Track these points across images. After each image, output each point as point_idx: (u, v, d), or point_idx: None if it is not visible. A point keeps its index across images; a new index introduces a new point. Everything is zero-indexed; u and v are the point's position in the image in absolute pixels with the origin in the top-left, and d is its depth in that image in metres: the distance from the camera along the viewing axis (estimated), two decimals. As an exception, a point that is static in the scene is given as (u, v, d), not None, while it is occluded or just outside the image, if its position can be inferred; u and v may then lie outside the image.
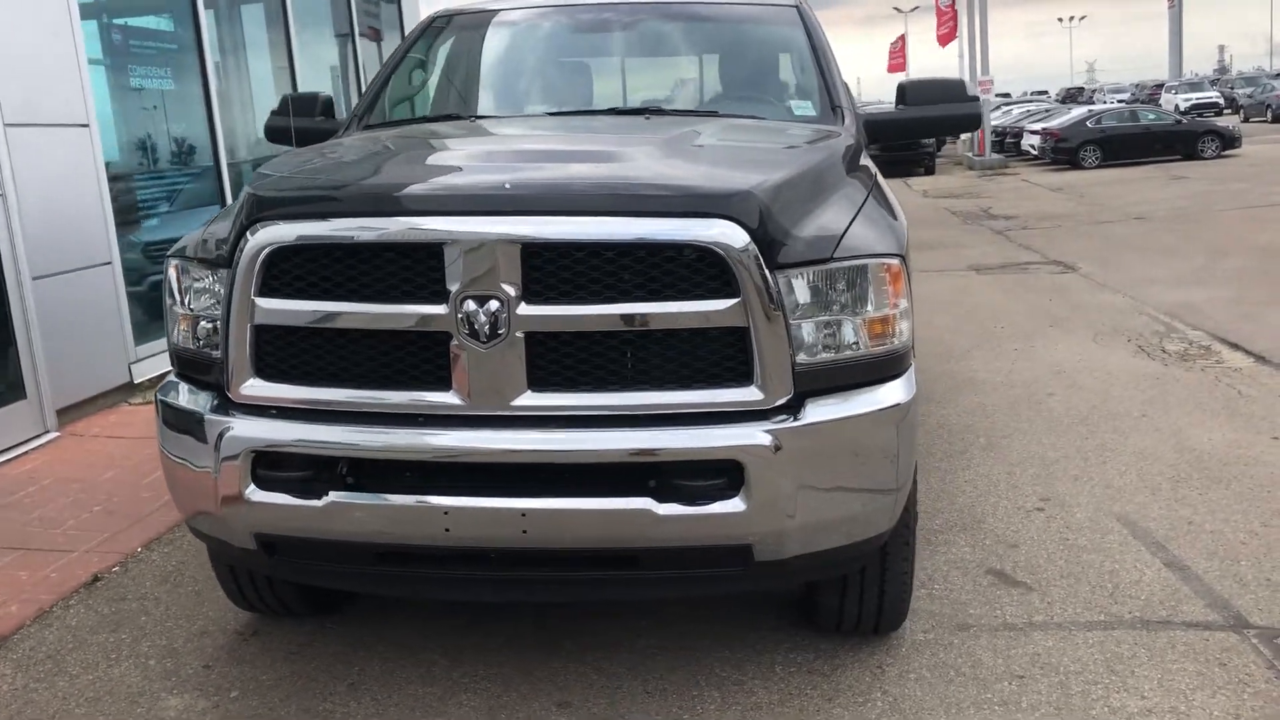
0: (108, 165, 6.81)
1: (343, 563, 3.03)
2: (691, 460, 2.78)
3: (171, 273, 3.22)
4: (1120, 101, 46.95)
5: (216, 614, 3.94)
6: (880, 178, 3.96)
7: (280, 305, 2.89)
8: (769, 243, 2.79)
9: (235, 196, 4.92)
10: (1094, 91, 65.01)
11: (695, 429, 2.79)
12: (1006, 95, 62.63)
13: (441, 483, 2.82)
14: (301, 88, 9.44)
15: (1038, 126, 30.48)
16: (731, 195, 2.81)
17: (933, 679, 3.37)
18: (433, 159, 3.40)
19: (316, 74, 9.75)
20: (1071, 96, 60.67)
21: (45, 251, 6.18)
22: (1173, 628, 3.62)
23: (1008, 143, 32.68)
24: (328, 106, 4.48)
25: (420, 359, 2.85)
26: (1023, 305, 9.73)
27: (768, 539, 2.85)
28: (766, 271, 2.77)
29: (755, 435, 2.78)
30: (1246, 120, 43.46)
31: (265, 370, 2.96)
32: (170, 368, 3.31)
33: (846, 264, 2.91)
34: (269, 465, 2.91)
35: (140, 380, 6.95)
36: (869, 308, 2.96)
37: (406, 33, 7.38)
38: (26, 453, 5.91)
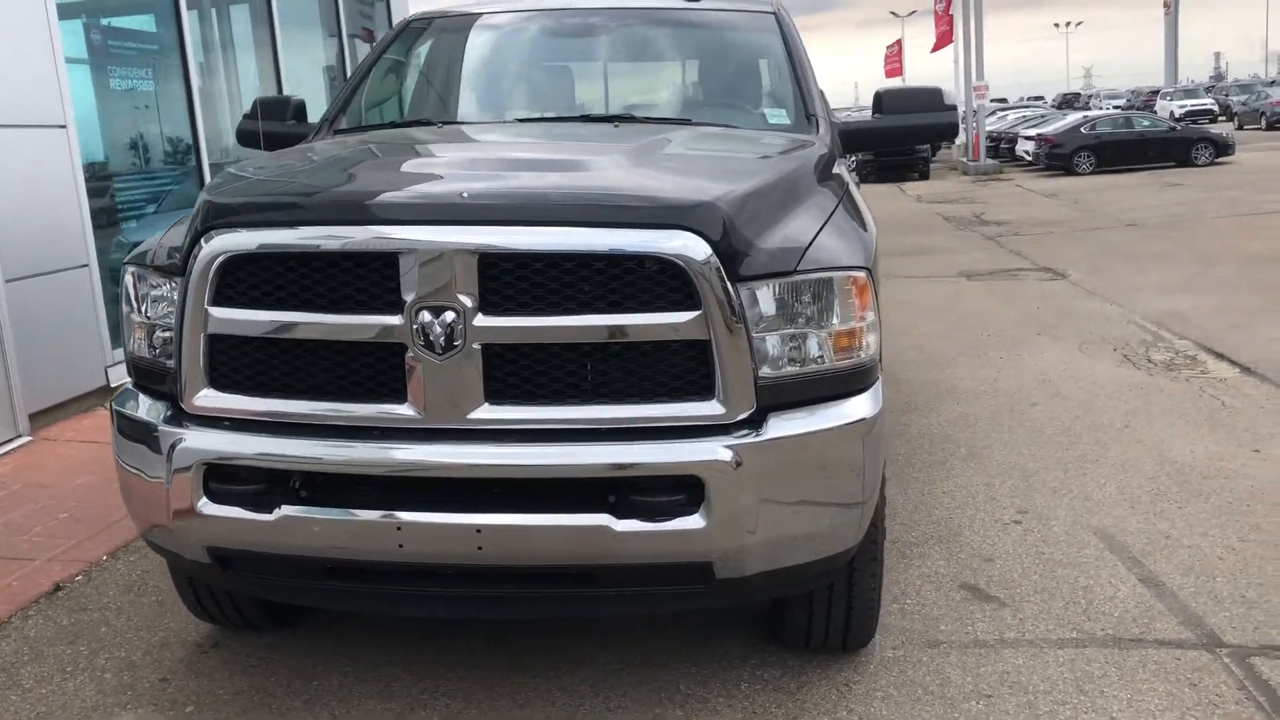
0: (86, 167, 6.76)
1: (296, 577, 2.97)
2: (650, 476, 2.73)
3: (128, 280, 3.17)
4: (1116, 107, 46.99)
5: (178, 625, 3.88)
6: (853, 188, 3.91)
7: (234, 315, 2.84)
8: (732, 254, 2.74)
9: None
10: (1090, 97, 65.02)
11: (655, 444, 2.74)
12: (1003, 101, 62.69)
13: (395, 497, 2.77)
14: (288, 89, 9.38)
15: (1032, 132, 30.48)
16: (693, 206, 2.76)
17: (900, 697, 3.32)
18: (392, 166, 3.35)
19: (304, 75, 9.69)
20: (1068, 102, 60.69)
21: (20, 253, 6.12)
22: (1145, 646, 3.57)
23: (1003, 148, 32.66)
24: (300, 110, 4.42)
25: (375, 371, 2.79)
26: (1012, 312, 9.69)
27: (728, 556, 2.80)
28: (729, 284, 2.72)
29: (716, 450, 2.73)
30: (1240, 127, 43.47)
31: (219, 381, 2.90)
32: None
33: (811, 276, 2.86)
34: (221, 478, 2.86)
35: (116, 384, 6.88)
36: (834, 321, 2.91)
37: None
38: (-2, 457, 5.86)
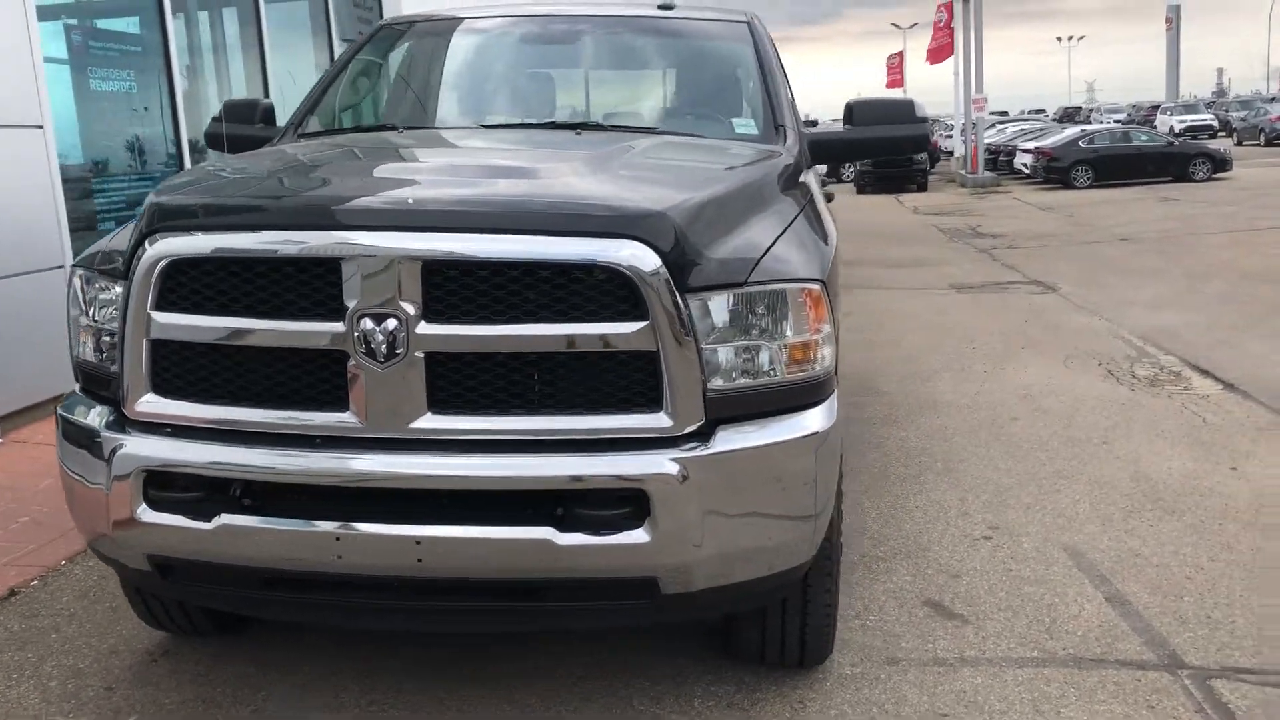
0: (64, 168, 6.72)
1: (236, 587, 2.93)
2: (594, 489, 2.69)
3: (76, 282, 3.13)
4: (1116, 122, 47.00)
5: (130, 632, 3.83)
6: (819, 199, 3.88)
7: (176, 320, 2.80)
8: (681, 265, 2.70)
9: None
10: (1091, 111, 65.03)
11: (599, 456, 2.70)
12: (1004, 113, 62.76)
13: (334, 508, 2.72)
14: (275, 93, 9.34)
15: (1030, 145, 30.48)
16: (643, 215, 2.72)
17: (854, 716, 3.27)
18: (342, 171, 3.31)
19: (292, 79, 9.64)
20: (1069, 116, 60.68)
21: (-6, 253, 6.09)
22: (1106, 666, 3.52)
23: (1001, 161, 32.64)
24: (268, 114, 4.39)
25: (317, 378, 2.75)
26: (999, 326, 9.65)
27: (674, 571, 2.75)
28: (678, 295, 2.68)
29: (661, 464, 2.68)
30: (1240, 143, 43.48)
31: (161, 386, 2.86)
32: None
33: (763, 288, 2.82)
34: (161, 485, 2.81)
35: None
36: (787, 333, 2.87)
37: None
38: (-34, 459, 5.81)
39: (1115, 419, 6.46)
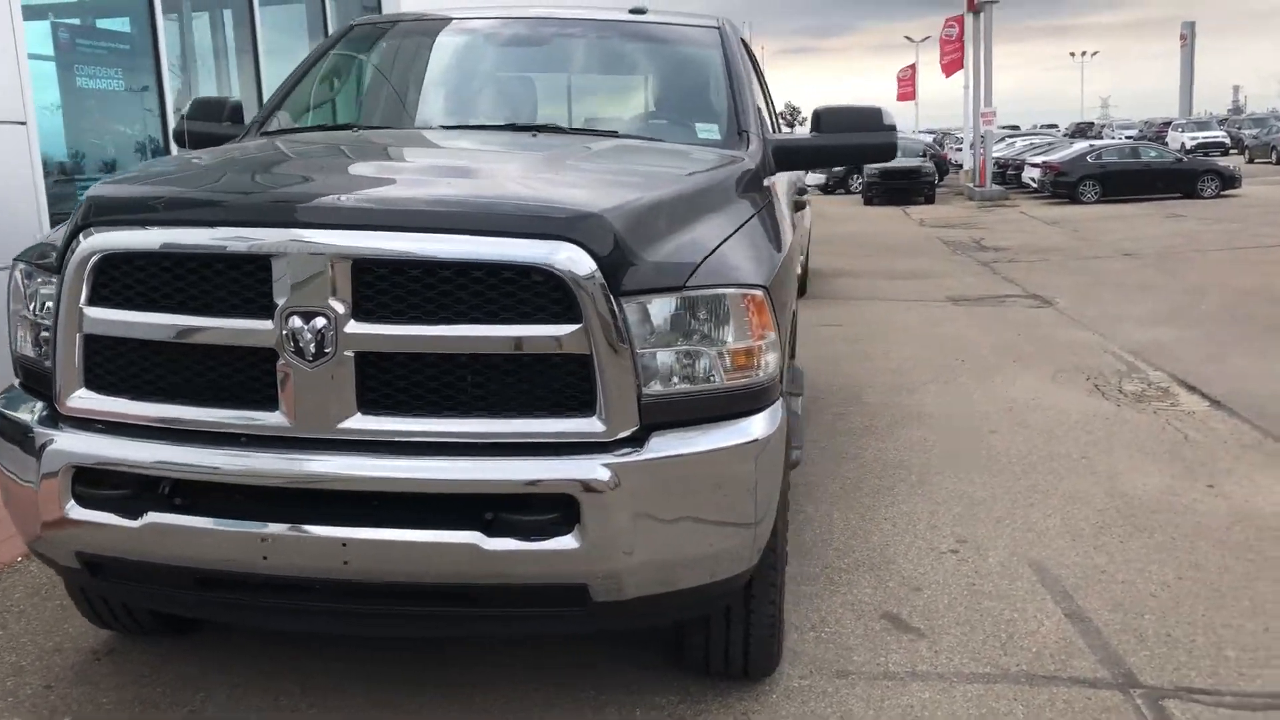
0: (47, 164, 6.71)
1: (166, 586, 2.89)
2: (522, 494, 2.65)
3: (17, 275, 3.11)
4: (1128, 138, 46.85)
5: (76, 631, 3.80)
6: (780, 206, 3.85)
7: (108, 315, 2.77)
8: (617, 268, 2.66)
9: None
10: (1103, 127, 64.85)
11: (530, 460, 2.66)
12: (1015, 128, 62.60)
13: (261, 508, 2.69)
14: (270, 94, 9.34)
15: (1039, 160, 30.38)
16: (578, 217, 2.68)
17: (797, 729, 3.23)
18: (283, 168, 3.28)
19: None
20: (1081, 131, 60.51)
21: (-27, 248, 6.07)
22: (1057, 684, 3.47)
23: (1009, 174, 32.55)
24: (235, 112, 4.36)
25: (247, 376, 2.72)
26: (991, 339, 9.59)
27: (605, 579, 2.71)
28: (612, 298, 2.64)
29: (591, 469, 2.64)
30: (1251, 161, 43.23)
31: (94, 382, 2.83)
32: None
33: (702, 293, 2.78)
34: (90, 482, 2.78)
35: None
36: (728, 339, 2.82)
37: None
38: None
39: (1097, 434, 6.40)
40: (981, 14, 30.49)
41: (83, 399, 2.83)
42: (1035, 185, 29.85)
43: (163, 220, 2.77)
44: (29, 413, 2.94)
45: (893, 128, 4.11)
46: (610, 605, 2.78)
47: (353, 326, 2.62)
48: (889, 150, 4.13)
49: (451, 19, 4.61)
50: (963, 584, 4.26)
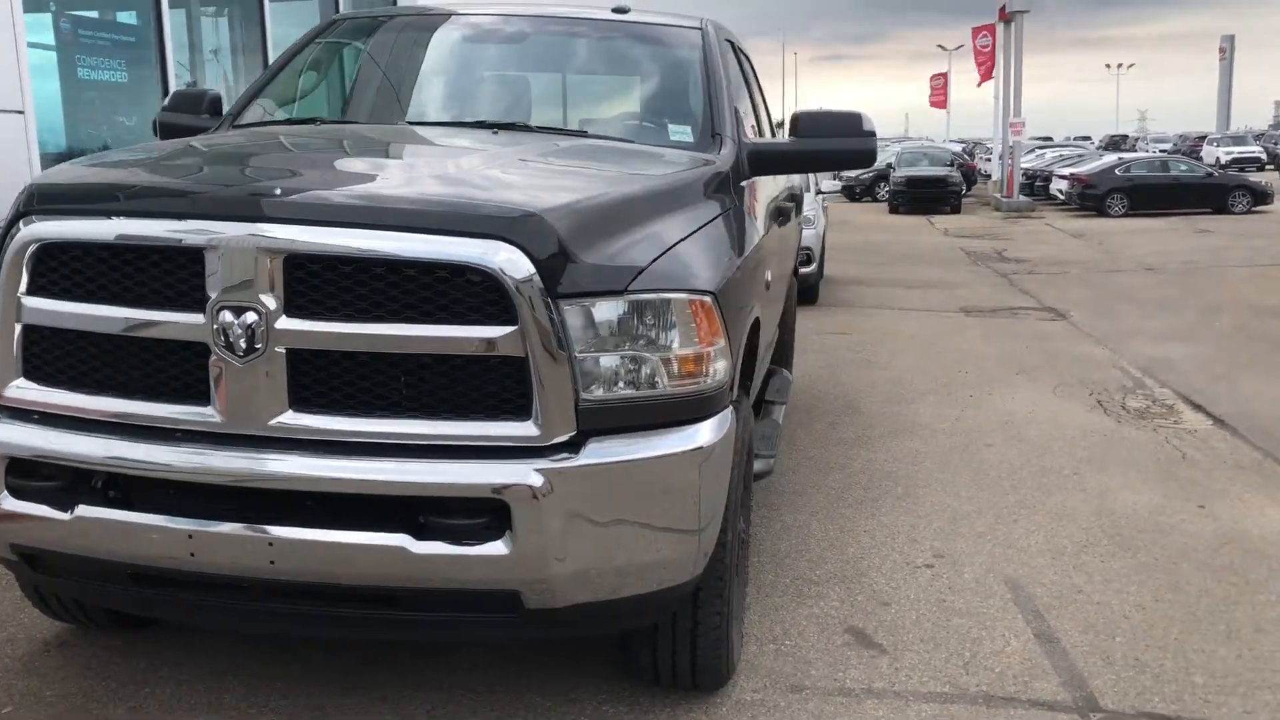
0: (45, 154, 6.73)
1: (101, 580, 2.87)
2: (452, 497, 2.60)
3: None
4: (1162, 151, 46.36)
5: (31, 622, 3.79)
6: (751, 213, 3.79)
7: (46, 305, 2.75)
8: (556, 269, 2.61)
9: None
10: (1137, 140, 64.21)
11: (462, 463, 2.61)
12: (1048, 139, 62.07)
13: (188, 504, 2.66)
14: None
15: (1066, 171, 30.06)
16: (516, 217, 2.63)
17: (742, 744, 3.16)
18: (231, 162, 3.24)
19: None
20: (1114, 144, 59.92)
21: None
22: (1016, 705, 3.39)
23: (1037, 186, 32.24)
24: (215, 104, 4.33)
25: (180, 370, 2.69)
26: (998, 351, 9.47)
27: (536, 586, 2.66)
28: (549, 300, 2.59)
29: (524, 474, 2.59)
30: (1288, 177, 42.65)
31: (33, 372, 2.81)
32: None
33: (646, 297, 2.72)
34: (23, 473, 2.76)
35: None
36: (673, 345, 2.77)
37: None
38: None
39: (1093, 450, 6.29)
40: (1012, 23, 30.22)
41: (20, 389, 2.81)
42: (1063, 197, 29.55)
43: (100, 211, 2.74)
44: (-33, 403, 2.92)
45: (872, 133, 4.04)
46: (545, 613, 2.74)
47: (284, 322, 2.58)
48: (868, 156, 4.07)
49: (433, 15, 4.57)
50: (933, 600, 4.18)
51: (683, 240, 2.99)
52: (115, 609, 3.49)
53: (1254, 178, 31.60)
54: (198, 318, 2.61)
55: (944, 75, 53.68)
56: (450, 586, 2.65)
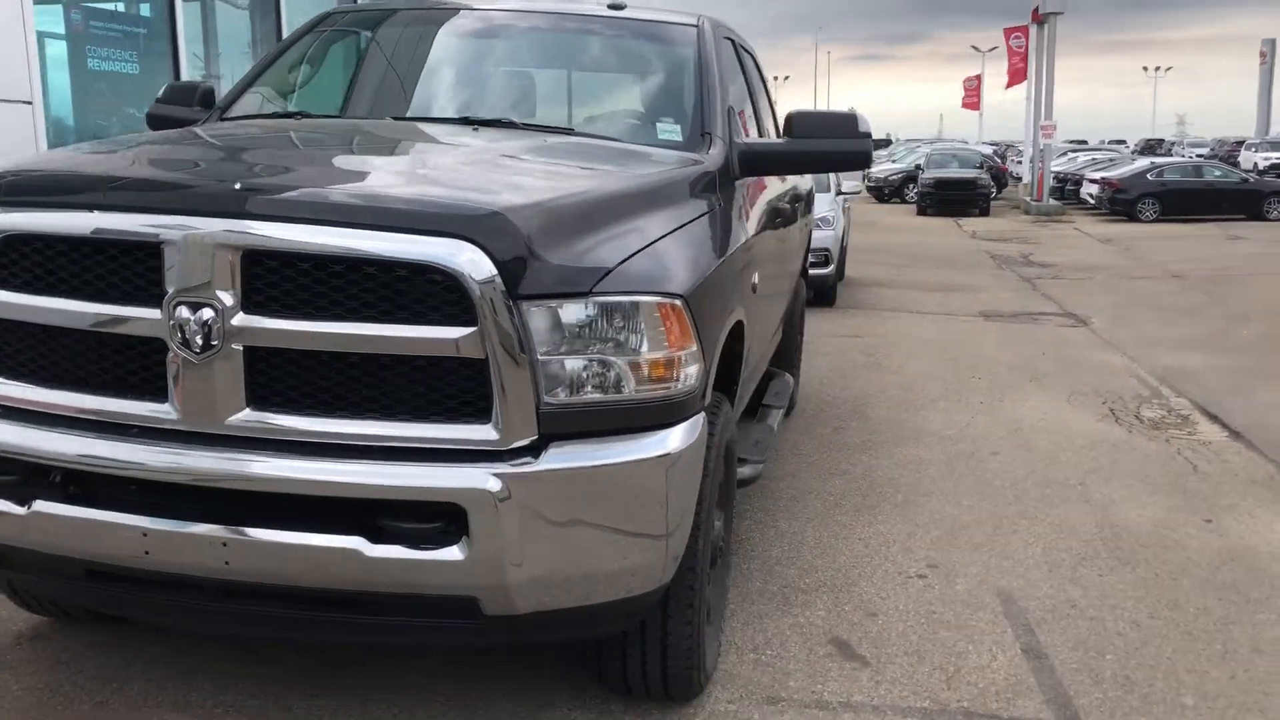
0: (55, 145, 6.75)
1: (59, 575, 2.84)
2: (408, 500, 2.56)
3: None
4: (1199, 156, 45.75)
5: (6, 614, 3.77)
6: (741, 214, 3.73)
7: (5, 298, 2.72)
8: (519, 270, 2.55)
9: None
10: (1173, 145, 63.39)
11: (418, 466, 2.56)
12: (1082, 142, 61.48)
13: (143, 502, 2.62)
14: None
15: (1097, 175, 29.71)
16: (478, 216, 2.58)
17: (711, 756, 3.10)
18: (200, 155, 3.21)
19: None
20: (1150, 148, 59.16)
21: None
22: (995, 723, 3.31)
23: (1068, 189, 31.90)
24: (206, 96, 4.31)
25: (138, 366, 2.66)
26: (1013, 357, 9.34)
27: (494, 592, 2.61)
28: (511, 301, 2.53)
29: (481, 478, 2.54)
30: (1327, 184, 41.92)
31: (-6, 366, 2.79)
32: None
33: (611, 299, 2.66)
34: (-17, 467, 2.74)
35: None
36: (641, 348, 2.71)
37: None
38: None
39: (1101, 461, 6.17)
40: (1045, 25, 29.92)
41: (-19, 383, 2.78)
42: (1093, 201, 29.22)
43: (60, 204, 2.71)
44: (-68, 396, 2.90)
45: (867, 134, 3.96)
46: (505, 620, 2.69)
47: (241, 319, 2.54)
48: (863, 158, 3.99)
49: (426, 10, 4.53)
50: (922, 611, 4.09)
51: (656, 241, 2.93)
52: (77, 604, 3.46)
53: (1290, 184, 31.07)
54: (155, 313, 2.58)
55: (978, 77, 53.32)
56: (406, 591, 2.60)
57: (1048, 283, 14.99)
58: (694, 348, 2.82)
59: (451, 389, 2.59)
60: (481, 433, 2.58)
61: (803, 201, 6.08)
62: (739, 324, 3.50)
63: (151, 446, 2.62)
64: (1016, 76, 35.33)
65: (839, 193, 13.08)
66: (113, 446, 2.63)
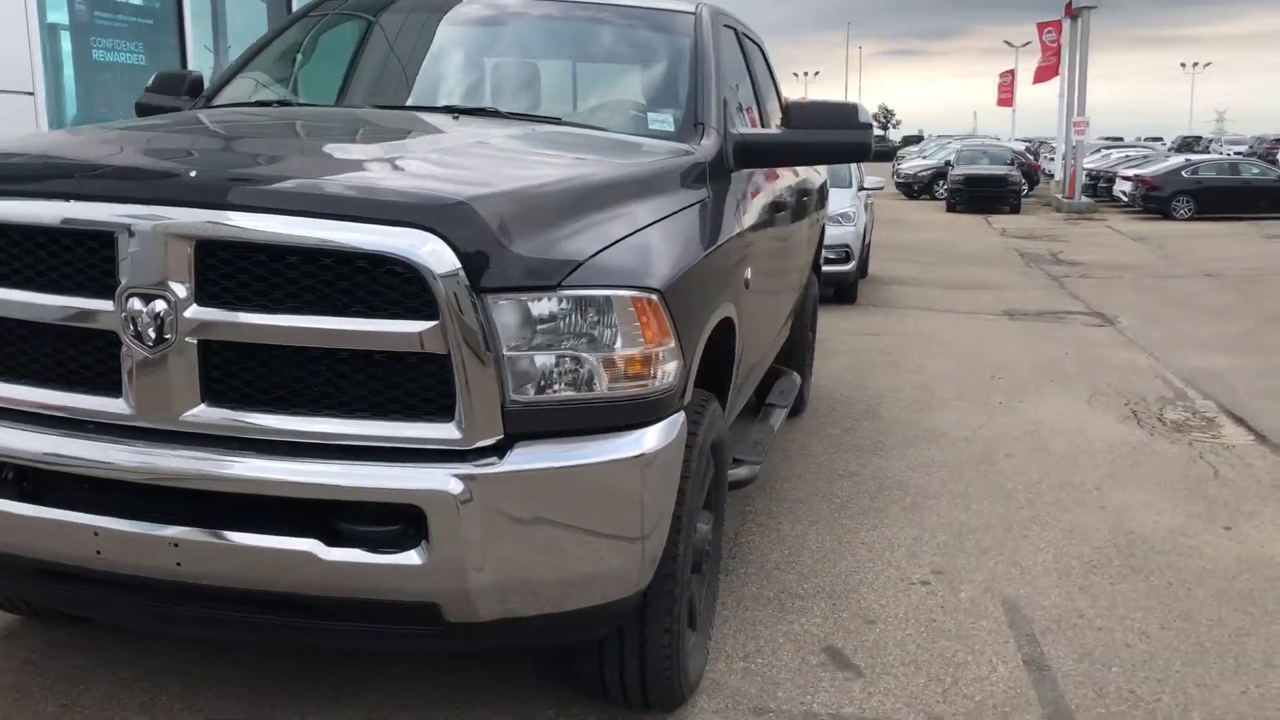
0: (59, 136, 6.70)
1: (7, 574, 2.75)
2: (365, 502, 2.45)
3: None
4: (1237, 153, 45.04)
5: (-19, 611, 3.71)
6: (735, 207, 3.60)
7: None
8: (483, 262, 2.44)
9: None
10: (1211, 142, 62.46)
11: (377, 466, 2.45)
12: (1118, 139, 60.70)
13: (95, 500, 2.53)
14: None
15: (1131, 173, 29.27)
16: (440, 205, 2.47)
17: (690, 770, 2.98)
18: (165, 143, 3.10)
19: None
20: (1187, 145, 58.35)
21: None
22: (991, 739, 3.17)
23: (1100, 187, 31.46)
24: (195, 86, 4.23)
25: (92, 360, 2.56)
26: (1035, 357, 9.15)
27: (455, 598, 2.50)
28: (475, 295, 2.42)
29: (441, 479, 2.43)
30: (1368, 183, 41.15)
31: (-50, 358, 2.70)
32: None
33: (581, 293, 2.54)
34: (-68, 462, 2.65)
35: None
36: (614, 345, 2.59)
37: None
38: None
39: (1119, 464, 5.99)
40: (1079, 19, 29.51)
41: (-65, 376, 2.70)
42: (1126, 199, 28.80)
43: (16, 191, 2.62)
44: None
45: (868, 126, 3.83)
46: (470, 627, 2.58)
47: (195, 311, 2.44)
48: (863, 150, 3.85)
49: (416, -3, 4.43)
50: (923, 619, 3.95)
51: (635, 233, 2.81)
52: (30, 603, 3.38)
53: (1329, 183, 30.49)
54: (107, 305, 2.48)
55: (1011, 73, 52.76)
56: (364, 596, 2.50)
57: (1076, 281, 14.74)
58: (672, 344, 2.70)
59: (413, 386, 2.48)
60: (443, 431, 2.47)
61: (813, 195, 5.94)
62: (728, 320, 3.38)
63: (104, 443, 2.53)
64: (1046, 73, 34.88)
65: (861, 188, 12.90)
66: (65, 443, 2.54)
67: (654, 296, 2.65)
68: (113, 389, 2.55)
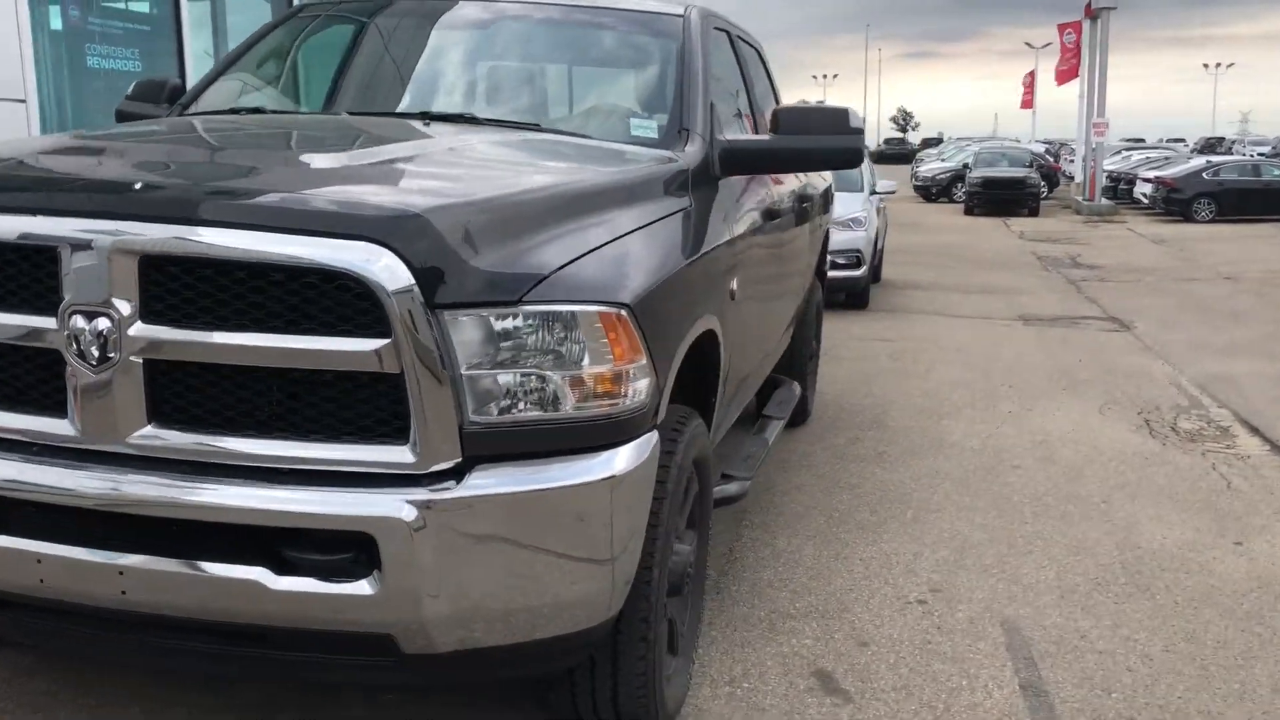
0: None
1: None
2: (315, 529, 2.35)
3: None
4: (1261, 155, 44.54)
5: (-51, 632, 3.62)
6: (720, 216, 3.49)
7: None
8: (438, 276, 2.33)
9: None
10: (1234, 143, 61.84)
11: (328, 491, 2.35)
12: (1139, 140, 60.23)
13: (38, 526, 2.43)
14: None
15: (1151, 174, 28.98)
16: (396, 218, 2.36)
17: (665, 803, 2.86)
18: (117, 153, 2.99)
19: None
20: (1210, 147, 57.79)
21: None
22: (981, 771, 3.04)
23: (1121, 189, 31.16)
24: (174, 93, 4.15)
25: (37, 379, 2.47)
26: (1048, 363, 8.98)
27: (411, 629, 2.39)
28: (429, 311, 2.31)
29: (394, 505, 2.32)
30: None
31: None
32: None
33: (543, 309, 2.43)
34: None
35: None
36: (582, 363, 2.48)
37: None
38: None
39: (1129, 476, 5.84)
40: (1099, 20, 29.24)
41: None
42: (1147, 201, 28.51)
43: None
44: None
45: (859, 131, 3.70)
46: (428, 659, 2.47)
47: (139, 329, 2.35)
48: (853, 156, 3.73)
49: (399, 1, 4.33)
50: (918, 641, 3.82)
51: (605, 245, 2.70)
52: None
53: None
54: (50, 322, 2.39)
55: (1032, 74, 52.44)
56: (315, 627, 2.40)
57: (1094, 285, 14.54)
58: (643, 361, 2.59)
59: (366, 407, 2.38)
60: (397, 454, 2.36)
61: (814, 201, 5.81)
62: (710, 333, 3.26)
63: (47, 465, 2.44)
64: (1067, 74, 34.56)
65: (873, 191, 12.75)
66: (5, 466, 2.45)
67: (623, 312, 2.54)
68: (58, 409, 2.46)
